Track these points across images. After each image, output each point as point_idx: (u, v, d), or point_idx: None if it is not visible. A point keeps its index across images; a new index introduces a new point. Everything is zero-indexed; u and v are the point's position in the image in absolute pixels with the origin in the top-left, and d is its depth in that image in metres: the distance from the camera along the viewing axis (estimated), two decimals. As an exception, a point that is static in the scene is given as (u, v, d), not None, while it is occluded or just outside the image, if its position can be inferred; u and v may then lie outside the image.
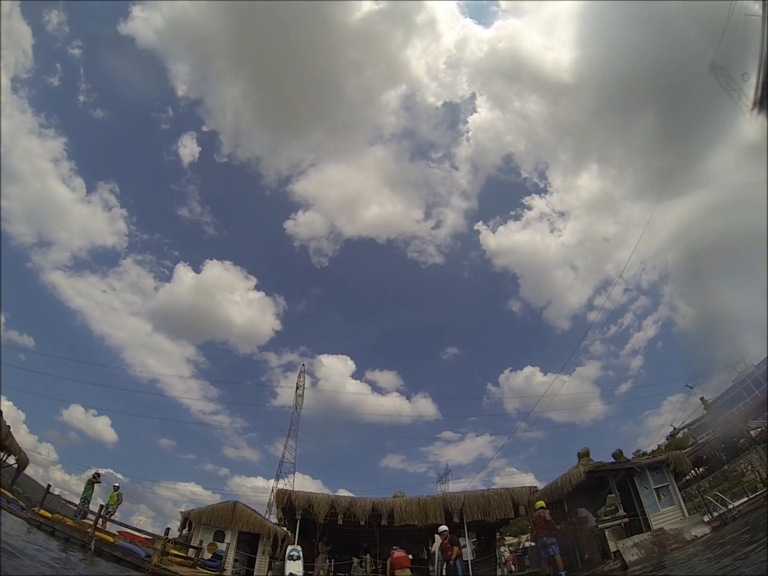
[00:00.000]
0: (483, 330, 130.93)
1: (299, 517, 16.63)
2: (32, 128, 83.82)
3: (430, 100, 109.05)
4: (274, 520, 25.02)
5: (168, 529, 15.46)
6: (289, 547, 16.16)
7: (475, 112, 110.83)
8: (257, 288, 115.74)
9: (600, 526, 13.33)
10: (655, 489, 15.94)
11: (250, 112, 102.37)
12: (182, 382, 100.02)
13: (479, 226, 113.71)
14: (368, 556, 16.49)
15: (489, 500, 17.45)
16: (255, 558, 19.38)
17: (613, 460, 16.01)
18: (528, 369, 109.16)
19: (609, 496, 14.61)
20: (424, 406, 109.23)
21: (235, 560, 18.75)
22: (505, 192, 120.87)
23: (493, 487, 26.61)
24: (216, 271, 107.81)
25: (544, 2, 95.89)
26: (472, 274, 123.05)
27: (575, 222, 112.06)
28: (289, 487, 41.54)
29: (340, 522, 16.62)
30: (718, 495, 18.78)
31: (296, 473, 53.95)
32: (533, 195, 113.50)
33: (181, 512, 19.99)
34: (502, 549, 21.29)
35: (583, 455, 16.50)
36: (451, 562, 12.17)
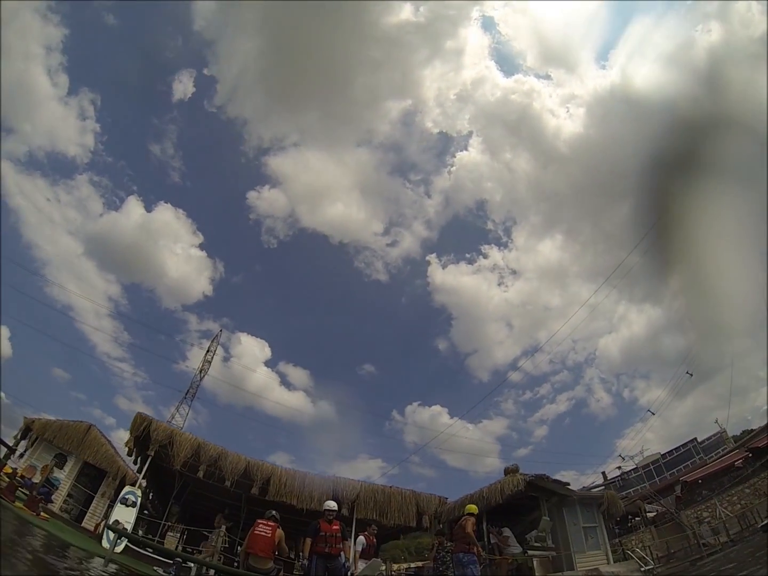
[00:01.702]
0: (404, 358, 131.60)
1: (152, 453, 12.52)
2: (39, 7, 75.51)
3: (428, 124, 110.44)
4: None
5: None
6: (126, 489, 12.08)
7: (466, 150, 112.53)
8: (201, 247, 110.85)
9: (530, 552, 10.44)
10: (583, 527, 13.51)
11: (256, 71, 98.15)
12: (97, 317, 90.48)
13: (431, 257, 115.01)
14: (224, 527, 12.53)
15: (390, 499, 14.21)
16: (93, 498, 15.17)
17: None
18: (437, 408, 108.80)
19: (543, 519, 11.84)
20: (327, 414, 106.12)
21: (70, 495, 14.63)
22: (467, 234, 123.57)
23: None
24: (167, 216, 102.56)
25: (568, 74, 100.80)
26: (409, 301, 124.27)
27: (524, 283, 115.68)
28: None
29: (200, 475, 12.68)
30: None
31: (180, 441, 47.28)
32: (493, 245, 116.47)
33: (25, 417, 15.08)
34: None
35: (512, 471, 13.78)
36: (347, 563, 8.45)
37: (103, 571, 7.03)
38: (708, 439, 40.35)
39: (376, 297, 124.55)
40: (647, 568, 13.32)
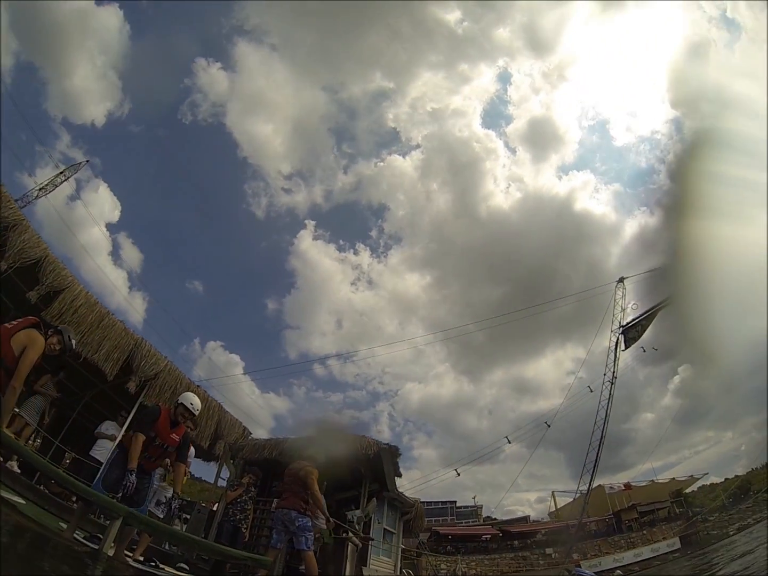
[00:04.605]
0: (232, 296, 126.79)
1: None
2: None
3: (389, 115, 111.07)
4: None
5: None
6: None
7: (404, 157, 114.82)
8: (121, 76, 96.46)
9: (351, 533, 8.31)
10: (384, 529, 11.81)
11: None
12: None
13: (310, 223, 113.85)
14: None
15: (218, 417, 11.12)
16: None
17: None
18: (236, 357, 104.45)
19: (373, 501, 9.91)
20: (136, 307, 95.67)
21: None
22: (353, 224, 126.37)
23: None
24: (111, 20, 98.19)
25: (530, 162, 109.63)
26: (267, 249, 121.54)
27: (374, 296, 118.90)
28: None
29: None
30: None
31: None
32: (368, 249, 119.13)
33: None
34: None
35: (342, 436, 11.63)
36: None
37: None
38: (465, 507, 43.84)
39: (242, 226, 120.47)
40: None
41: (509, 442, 32.13)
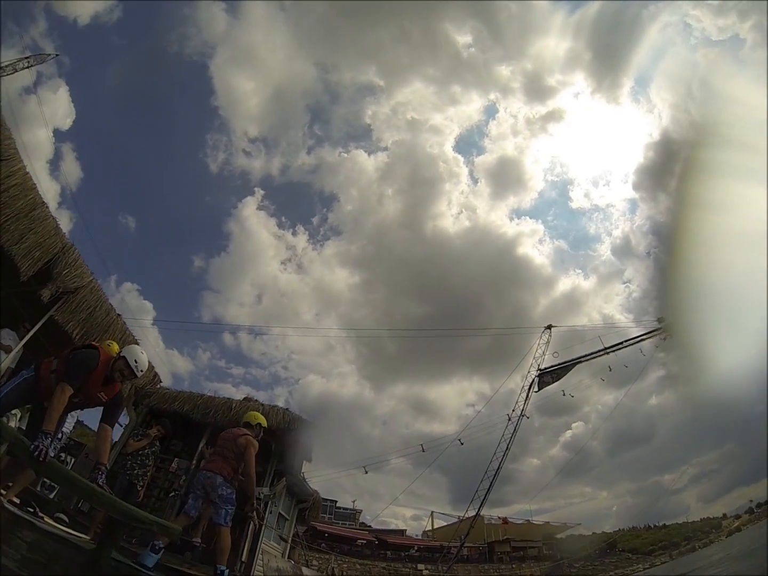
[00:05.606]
0: (163, 241, 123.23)
1: None
2: None
3: (369, 111, 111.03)
4: None
5: None
6: None
7: (369, 155, 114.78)
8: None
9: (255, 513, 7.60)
10: (279, 513, 11.16)
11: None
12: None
13: (259, 192, 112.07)
14: None
15: (111, 327, 9.53)
16: None
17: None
18: (149, 304, 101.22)
19: (285, 478, 9.24)
20: (61, 225, 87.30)
21: None
22: (301, 206, 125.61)
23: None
24: None
25: (489, 196, 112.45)
26: (209, 206, 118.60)
27: (300, 281, 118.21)
28: None
29: None
30: None
31: None
32: (307, 234, 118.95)
33: None
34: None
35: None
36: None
37: None
38: (344, 509, 43.89)
39: (193, 177, 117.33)
40: None
41: (423, 451, 32.36)
